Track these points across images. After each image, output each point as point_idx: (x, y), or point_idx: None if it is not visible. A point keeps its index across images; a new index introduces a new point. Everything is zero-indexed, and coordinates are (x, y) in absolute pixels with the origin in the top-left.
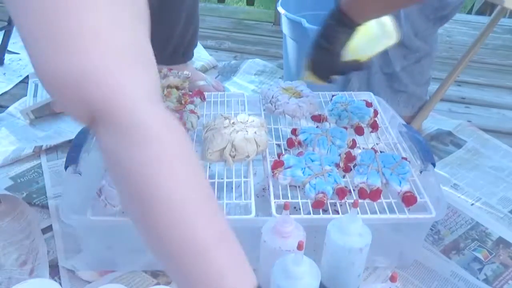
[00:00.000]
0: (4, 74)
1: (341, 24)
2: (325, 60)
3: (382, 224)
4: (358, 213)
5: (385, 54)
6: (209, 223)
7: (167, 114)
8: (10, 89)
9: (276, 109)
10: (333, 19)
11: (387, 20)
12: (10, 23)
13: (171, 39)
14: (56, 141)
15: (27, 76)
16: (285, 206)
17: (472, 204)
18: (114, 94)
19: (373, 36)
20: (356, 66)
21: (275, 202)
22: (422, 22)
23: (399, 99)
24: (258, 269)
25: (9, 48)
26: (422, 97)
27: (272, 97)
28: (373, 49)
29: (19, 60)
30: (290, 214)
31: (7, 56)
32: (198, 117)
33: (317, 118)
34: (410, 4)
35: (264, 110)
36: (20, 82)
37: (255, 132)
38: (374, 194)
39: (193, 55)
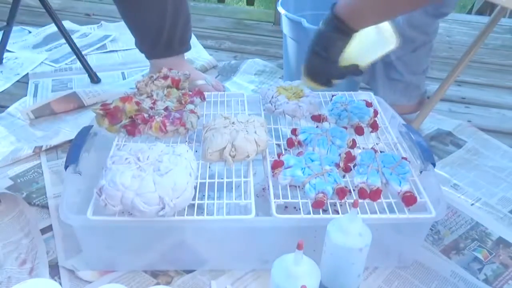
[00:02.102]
0: (1, 72)
1: (337, 31)
2: (321, 67)
3: (382, 224)
4: (358, 213)
5: None
6: None
7: None
8: (8, 87)
9: (276, 109)
10: (329, 25)
11: (386, 26)
12: (9, 23)
13: (163, 27)
14: (56, 141)
15: (25, 76)
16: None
17: (472, 204)
18: None
19: (372, 43)
20: (355, 71)
21: (275, 202)
22: (421, 16)
23: (396, 88)
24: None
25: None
26: (420, 86)
27: (272, 97)
28: (372, 56)
29: (15, 58)
30: (290, 214)
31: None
32: (198, 117)
33: (317, 118)
34: (409, 11)
35: (264, 110)
36: (19, 81)
37: (255, 132)
38: (374, 194)
39: (190, 47)
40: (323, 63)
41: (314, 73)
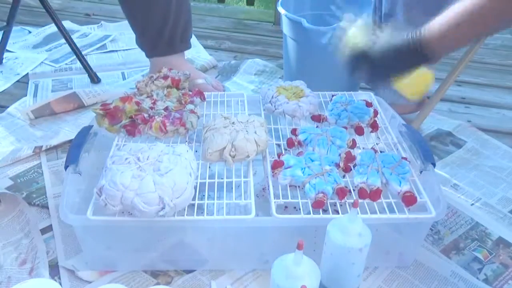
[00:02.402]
0: (1, 72)
1: (414, 54)
2: (377, 77)
3: (382, 224)
4: (358, 213)
5: None
6: None
7: None
8: (8, 87)
9: (276, 109)
10: (411, 44)
11: (430, 76)
12: (9, 23)
13: (165, 24)
14: (56, 141)
15: (25, 76)
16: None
17: (472, 204)
18: None
19: (415, 84)
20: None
21: (275, 202)
22: (420, 14)
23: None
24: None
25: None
26: None
27: (272, 97)
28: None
29: (15, 58)
30: (290, 214)
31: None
32: (198, 117)
33: (317, 118)
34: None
35: (264, 110)
36: (19, 82)
37: (255, 132)
38: (374, 194)
39: (190, 45)
40: (380, 74)
41: (375, 77)
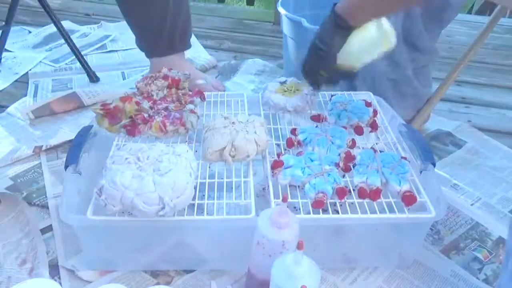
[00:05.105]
0: (0, 71)
1: (336, 27)
2: (318, 62)
3: (382, 224)
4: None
5: (388, 59)
6: None
7: None
8: (8, 87)
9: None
10: (329, 21)
11: (386, 25)
12: (8, 22)
13: (164, 24)
14: (56, 141)
15: (23, 75)
16: (283, 199)
17: (472, 204)
18: None
19: (370, 42)
20: (349, 72)
21: (275, 202)
22: (429, 23)
23: (407, 104)
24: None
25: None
26: (425, 98)
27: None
28: (370, 55)
29: (13, 58)
30: None
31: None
32: (198, 117)
33: (317, 118)
34: (407, 8)
35: (264, 110)
36: (19, 82)
37: (255, 132)
38: (374, 194)
39: (190, 45)
40: (320, 59)
41: (309, 69)
